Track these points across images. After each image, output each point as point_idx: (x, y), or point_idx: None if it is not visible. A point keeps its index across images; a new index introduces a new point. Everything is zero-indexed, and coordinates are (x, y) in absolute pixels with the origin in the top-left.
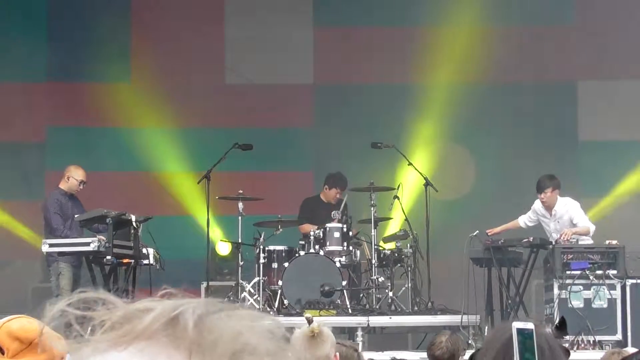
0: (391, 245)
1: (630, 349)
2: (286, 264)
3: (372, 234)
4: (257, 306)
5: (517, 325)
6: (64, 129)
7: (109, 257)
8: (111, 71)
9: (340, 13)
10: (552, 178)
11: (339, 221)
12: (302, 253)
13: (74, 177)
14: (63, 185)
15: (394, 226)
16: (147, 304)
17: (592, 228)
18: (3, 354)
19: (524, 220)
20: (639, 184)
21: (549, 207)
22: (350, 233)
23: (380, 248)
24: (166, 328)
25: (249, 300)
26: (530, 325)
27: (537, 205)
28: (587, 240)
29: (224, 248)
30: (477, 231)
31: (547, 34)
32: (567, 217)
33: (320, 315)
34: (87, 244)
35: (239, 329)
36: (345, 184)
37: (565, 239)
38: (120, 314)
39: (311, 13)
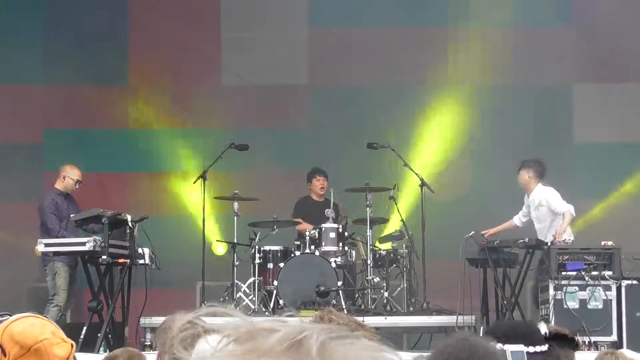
0: (387, 246)
1: (626, 350)
2: (281, 264)
3: (368, 234)
4: (252, 306)
5: (510, 348)
6: (61, 131)
7: (104, 257)
8: (109, 73)
9: (336, 14)
10: (532, 161)
11: (334, 220)
12: (297, 253)
13: (70, 176)
14: (59, 185)
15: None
16: (272, 324)
17: (571, 209)
18: (5, 355)
19: (519, 217)
20: (635, 187)
21: (525, 189)
22: (346, 233)
23: (376, 248)
24: (290, 350)
25: (244, 300)
26: (521, 348)
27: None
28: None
29: (220, 248)
30: (473, 232)
31: (543, 36)
32: (545, 206)
33: None
34: (83, 244)
35: (360, 358)
36: (321, 171)
37: (559, 240)
38: (245, 330)
39: (307, 14)
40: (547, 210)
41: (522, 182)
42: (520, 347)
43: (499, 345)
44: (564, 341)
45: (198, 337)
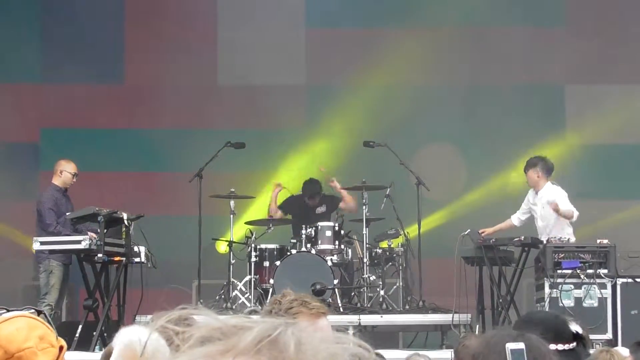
0: (383, 244)
1: (621, 348)
2: (278, 263)
3: (364, 232)
4: (249, 304)
5: (510, 346)
6: (58, 131)
7: (100, 255)
8: (105, 72)
9: (332, 14)
10: (538, 159)
11: (334, 220)
12: (293, 251)
13: (67, 170)
14: (57, 181)
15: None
16: (241, 322)
17: (576, 213)
18: None
19: (517, 216)
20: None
21: (534, 187)
22: (342, 232)
23: (383, 246)
24: (266, 348)
25: (240, 298)
26: (521, 346)
27: (529, 192)
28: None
29: (224, 246)
30: (469, 230)
31: (536, 36)
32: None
33: None
34: (79, 242)
35: (334, 351)
36: (314, 194)
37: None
38: (217, 329)
39: (304, 14)
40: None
41: (532, 182)
42: (521, 345)
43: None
44: (586, 341)
45: (170, 341)
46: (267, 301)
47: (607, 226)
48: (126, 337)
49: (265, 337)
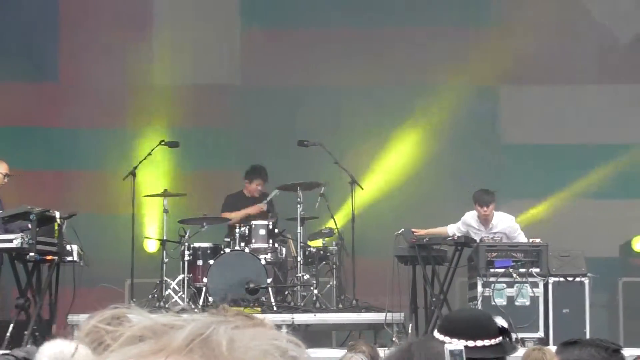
0: (317, 243)
1: (553, 347)
2: (211, 261)
3: (298, 231)
4: (182, 303)
5: (449, 347)
6: None
7: (32, 254)
8: (40, 71)
9: (267, 16)
10: (491, 193)
11: (269, 218)
12: (227, 250)
13: None
14: None
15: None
16: (172, 320)
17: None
18: None
19: (457, 228)
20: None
21: (486, 221)
22: (276, 230)
23: (314, 245)
24: (199, 347)
25: (173, 297)
26: (460, 347)
27: (468, 218)
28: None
29: (151, 245)
30: (403, 229)
31: (470, 36)
32: (506, 232)
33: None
34: (10, 241)
35: (267, 348)
36: (263, 175)
37: None
38: (148, 328)
39: (238, 15)
40: (505, 238)
41: (492, 216)
42: (460, 346)
43: (447, 340)
44: (511, 334)
45: (102, 341)
46: (200, 305)
47: (539, 225)
48: (51, 350)
49: (197, 336)
